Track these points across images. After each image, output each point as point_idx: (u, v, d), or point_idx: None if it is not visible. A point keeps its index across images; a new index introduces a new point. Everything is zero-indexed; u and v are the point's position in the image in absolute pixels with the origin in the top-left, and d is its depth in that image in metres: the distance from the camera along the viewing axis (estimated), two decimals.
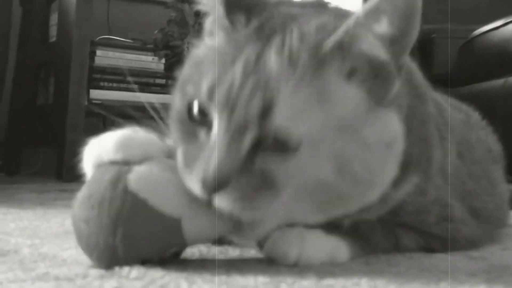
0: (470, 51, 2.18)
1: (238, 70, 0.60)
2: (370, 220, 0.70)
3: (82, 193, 0.62)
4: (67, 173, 2.02)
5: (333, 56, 0.61)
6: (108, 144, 0.64)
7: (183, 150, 0.62)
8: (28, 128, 2.38)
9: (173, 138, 0.66)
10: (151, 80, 2.40)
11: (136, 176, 0.60)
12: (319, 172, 0.60)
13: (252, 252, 0.71)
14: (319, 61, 0.60)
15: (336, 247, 0.67)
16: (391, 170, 0.65)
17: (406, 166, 0.68)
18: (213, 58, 0.63)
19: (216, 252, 0.72)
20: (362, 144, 0.60)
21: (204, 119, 0.62)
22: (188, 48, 2.32)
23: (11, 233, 0.85)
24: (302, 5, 0.69)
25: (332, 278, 0.57)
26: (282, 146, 0.59)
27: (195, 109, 0.63)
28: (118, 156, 0.63)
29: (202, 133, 0.62)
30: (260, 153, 0.59)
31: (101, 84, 2.30)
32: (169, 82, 2.43)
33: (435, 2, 2.61)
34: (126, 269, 0.58)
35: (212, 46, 0.65)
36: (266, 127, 0.58)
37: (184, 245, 0.63)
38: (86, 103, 2.19)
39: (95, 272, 0.57)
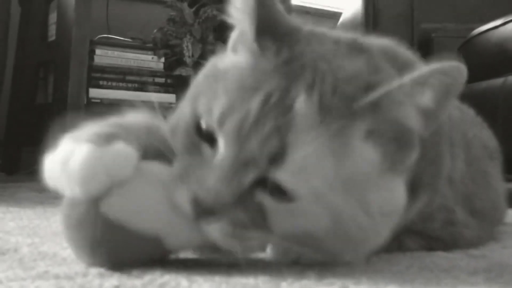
0: (469, 50, 2.18)
1: (257, 101, 0.56)
2: None
3: (62, 209, 0.61)
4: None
5: (365, 114, 0.57)
6: (73, 177, 0.57)
7: (182, 161, 0.60)
8: (27, 127, 2.38)
9: (175, 146, 0.63)
10: (150, 79, 2.40)
11: (108, 198, 0.57)
12: (312, 224, 0.57)
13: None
14: (349, 116, 0.57)
15: None
16: (384, 234, 0.62)
17: (416, 190, 0.67)
18: (232, 80, 0.59)
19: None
20: (363, 208, 0.58)
21: (211, 138, 0.59)
22: (187, 47, 2.32)
23: (10, 232, 0.85)
24: (335, 41, 0.65)
25: (332, 276, 0.57)
26: (283, 192, 0.56)
27: (204, 125, 0.60)
28: (86, 195, 0.57)
29: (206, 151, 0.59)
30: (259, 190, 0.57)
31: (101, 83, 2.30)
32: (169, 81, 2.43)
33: (435, 1, 2.62)
34: (127, 269, 0.58)
35: (235, 65, 0.61)
36: (274, 172, 0.56)
37: (165, 256, 0.62)
38: (85, 102, 2.19)
39: (95, 270, 0.57)
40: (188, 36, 2.35)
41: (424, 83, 0.56)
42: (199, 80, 0.64)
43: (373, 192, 0.58)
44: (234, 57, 0.63)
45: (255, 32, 0.61)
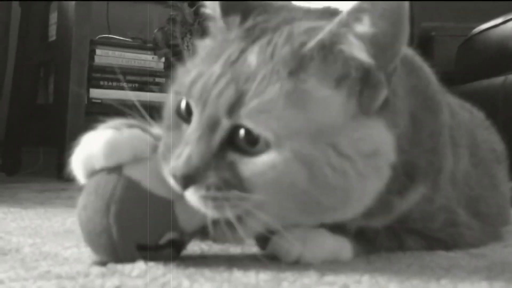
0: (470, 49, 2.18)
1: (218, 65, 0.60)
2: (375, 227, 0.70)
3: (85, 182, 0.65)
4: (67, 173, 2.02)
5: (314, 56, 0.59)
6: (97, 151, 0.62)
7: (164, 141, 0.63)
8: (28, 128, 2.38)
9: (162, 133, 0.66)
10: (151, 79, 2.40)
11: (131, 165, 0.62)
12: (291, 175, 0.58)
13: (254, 250, 0.71)
14: (299, 60, 0.59)
15: (340, 247, 0.67)
16: (375, 181, 0.62)
17: (412, 176, 0.68)
18: (202, 55, 0.64)
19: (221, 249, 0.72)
20: (336, 151, 0.58)
21: (189, 115, 0.62)
22: (188, 47, 2.32)
23: (12, 232, 0.85)
24: (307, 11, 0.68)
25: (333, 275, 0.57)
26: (252, 144, 0.58)
27: (183, 105, 0.63)
28: (110, 163, 0.62)
29: (184, 128, 0.62)
30: (230, 151, 0.59)
31: (101, 83, 2.30)
32: (169, 81, 2.43)
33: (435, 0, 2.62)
34: (128, 267, 0.58)
35: (206, 45, 0.66)
36: (235, 120, 0.58)
37: (178, 230, 0.62)
38: (86, 102, 2.19)
39: (97, 270, 0.57)
40: (188, 36, 2.35)
41: (359, 10, 0.58)
42: (178, 71, 0.68)
43: (344, 135, 0.59)
44: (208, 40, 0.68)
45: (221, 11, 0.65)
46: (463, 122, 0.89)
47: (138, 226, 0.60)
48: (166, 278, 0.54)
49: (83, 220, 0.62)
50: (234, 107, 0.58)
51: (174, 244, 0.62)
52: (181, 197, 0.60)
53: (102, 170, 0.63)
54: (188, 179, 0.58)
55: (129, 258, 0.60)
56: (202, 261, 0.64)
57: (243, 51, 0.61)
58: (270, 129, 0.57)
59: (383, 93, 0.61)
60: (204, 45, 0.68)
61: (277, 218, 0.60)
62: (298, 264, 0.63)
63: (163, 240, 0.61)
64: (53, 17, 2.37)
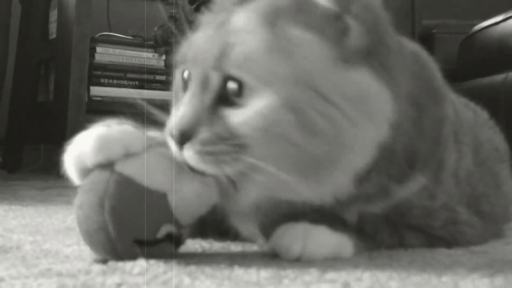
0: (470, 46, 2.18)
1: (209, 29, 0.64)
2: (373, 214, 0.70)
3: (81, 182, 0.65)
4: (62, 171, 2.02)
5: (291, 7, 0.62)
6: (87, 148, 0.63)
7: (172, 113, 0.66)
8: (29, 125, 2.38)
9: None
10: (151, 77, 2.40)
11: (123, 160, 0.62)
12: (279, 122, 0.59)
13: (255, 247, 0.71)
14: (277, 11, 0.62)
15: (341, 244, 0.67)
16: (369, 128, 0.62)
17: (412, 163, 0.68)
18: (200, 27, 0.68)
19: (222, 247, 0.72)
20: (321, 96, 0.59)
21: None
22: None
23: (13, 230, 0.86)
24: None
25: (334, 273, 0.57)
26: (240, 96, 0.61)
27: (185, 75, 0.66)
28: (100, 159, 0.62)
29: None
30: (222, 106, 0.62)
31: (102, 81, 2.30)
32: (170, 78, 2.43)
33: None
34: (129, 265, 0.58)
35: (204, 17, 0.70)
36: (222, 71, 0.61)
37: (175, 223, 0.62)
38: (86, 100, 2.19)
39: (98, 268, 0.57)
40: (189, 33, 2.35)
41: None
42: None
43: (326, 79, 0.60)
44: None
45: None
46: (467, 120, 0.89)
47: (134, 221, 0.60)
48: (167, 276, 0.54)
49: (81, 219, 0.62)
50: (220, 60, 0.61)
51: (172, 237, 0.62)
52: (175, 186, 0.61)
53: (95, 167, 0.63)
54: (183, 136, 0.61)
55: (128, 255, 0.60)
56: (203, 258, 0.64)
57: (231, 14, 0.64)
58: (254, 76, 0.60)
59: (356, 40, 0.62)
60: (203, 17, 0.70)
61: (274, 185, 0.62)
62: (299, 262, 0.63)
63: (160, 234, 0.61)
64: (54, 15, 2.36)
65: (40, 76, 2.45)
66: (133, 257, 0.59)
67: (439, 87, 0.75)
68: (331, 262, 0.63)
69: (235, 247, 0.73)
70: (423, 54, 0.77)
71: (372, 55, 0.62)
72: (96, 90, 2.27)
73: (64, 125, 2.08)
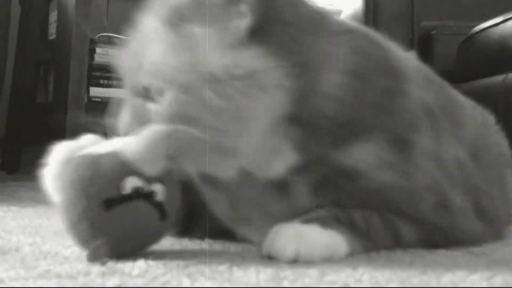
0: (470, 47, 2.18)
1: (127, 44, 0.71)
2: (359, 200, 0.72)
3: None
4: None
5: (188, 5, 0.67)
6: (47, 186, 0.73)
7: None
8: (28, 126, 2.38)
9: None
10: None
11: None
12: (186, 110, 0.65)
13: (254, 249, 0.71)
14: (177, 12, 0.67)
15: (334, 241, 0.67)
16: (265, 99, 0.66)
17: (350, 129, 0.70)
18: None
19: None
20: (216, 79, 0.65)
21: None
22: None
23: (12, 231, 0.86)
24: None
25: (334, 274, 0.57)
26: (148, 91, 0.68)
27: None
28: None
29: None
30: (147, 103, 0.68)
31: (101, 81, 2.30)
32: None
33: None
34: (128, 266, 0.58)
35: None
36: (140, 83, 0.68)
37: (140, 176, 0.64)
38: (86, 101, 2.19)
39: (97, 269, 0.57)
40: None
41: None
42: None
43: (219, 64, 0.65)
44: None
45: None
46: (470, 121, 0.89)
47: (96, 186, 0.62)
48: (167, 277, 0.54)
49: (64, 216, 0.65)
50: (137, 73, 0.68)
51: (142, 194, 0.63)
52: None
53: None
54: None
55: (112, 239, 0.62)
56: (203, 260, 0.64)
57: (140, 23, 0.71)
58: (163, 79, 0.66)
59: (248, 23, 0.66)
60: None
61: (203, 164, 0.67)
62: (297, 263, 0.63)
63: (126, 189, 0.62)
64: (53, 16, 2.36)
65: (40, 77, 2.45)
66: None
67: (393, 64, 0.76)
68: (331, 264, 0.63)
69: (234, 248, 0.73)
70: (377, 35, 0.78)
71: (267, 34, 0.67)
72: (95, 91, 2.27)
73: (63, 126, 2.08)
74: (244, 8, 0.66)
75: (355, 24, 0.78)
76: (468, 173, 0.83)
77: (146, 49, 0.68)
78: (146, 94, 0.68)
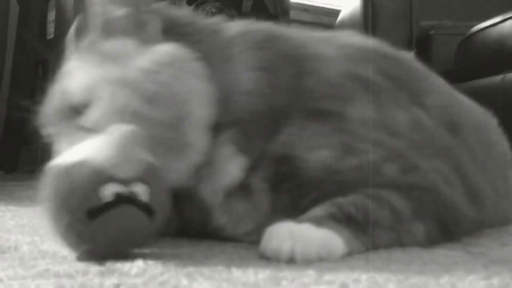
0: (468, 47, 2.18)
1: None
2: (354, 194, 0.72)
3: None
4: None
5: (101, 31, 0.78)
6: None
7: None
8: (26, 126, 2.38)
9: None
10: None
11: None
12: (128, 104, 0.69)
13: (252, 249, 0.71)
14: (92, 44, 0.78)
15: (329, 239, 0.67)
16: (192, 80, 0.73)
17: (274, 118, 0.74)
18: None
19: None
20: (145, 72, 0.71)
21: None
22: None
23: (10, 231, 0.85)
24: None
25: (332, 274, 0.57)
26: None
27: None
28: None
29: None
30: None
31: None
32: None
33: None
34: (127, 266, 0.58)
35: None
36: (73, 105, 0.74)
37: (118, 181, 0.62)
38: None
39: (96, 269, 0.57)
40: None
41: None
42: None
43: (136, 60, 0.72)
44: None
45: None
46: (437, 88, 0.91)
47: (75, 195, 0.61)
48: (165, 277, 0.54)
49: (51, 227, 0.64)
50: (61, 102, 0.77)
51: (124, 197, 0.61)
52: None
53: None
54: None
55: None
56: (201, 260, 0.64)
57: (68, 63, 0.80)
58: (88, 92, 0.72)
59: (151, 27, 0.76)
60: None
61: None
62: (295, 263, 0.63)
63: (107, 196, 0.60)
64: (51, 15, 2.36)
65: (38, 76, 2.45)
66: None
67: (297, 51, 0.80)
68: (329, 264, 0.63)
69: (233, 248, 0.73)
70: (278, 28, 0.84)
71: (173, 34, 0.76)
72: None
73: None
74: (151, 16, 0.76)
75: (252, 24, 0.83)
76: (435, 136, 0.83)
77: (69, 80, 0.76)
78: (74, 113, 0.73)
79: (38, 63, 2.44)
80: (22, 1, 2.47)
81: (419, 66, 0.93)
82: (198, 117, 0.73)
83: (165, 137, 0.70)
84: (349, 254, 0.68)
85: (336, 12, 3.20)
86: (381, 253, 0.71)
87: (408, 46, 2.51)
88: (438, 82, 0.96)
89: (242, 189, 0.75)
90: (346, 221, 0.69)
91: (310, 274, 0.57)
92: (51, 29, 2.36)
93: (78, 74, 0.75)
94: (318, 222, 0.68)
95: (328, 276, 0.56)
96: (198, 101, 0.73)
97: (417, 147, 0.79)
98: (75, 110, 0.73)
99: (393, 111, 0.80)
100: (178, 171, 0.73)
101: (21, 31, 2.46)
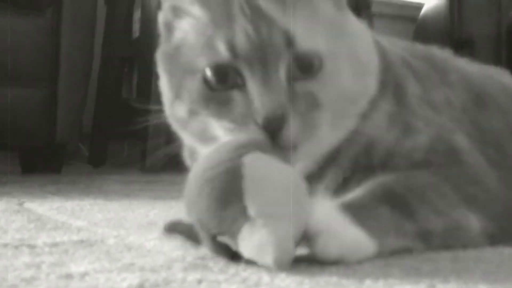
0: None
1: (241, 19, 0.65)
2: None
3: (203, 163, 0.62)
4: (150, 165, 2.08)
5: None
6: None
7: (223, 117, 0.65)
8: (114, 121, 2.46)
9: (196, 124, 0.69)
10: None
11: (255, 156, 0.59)
12: (344, 72, 0.68)
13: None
14: None
15: (358, 239, 0.61)
16: (375, 54, 0.73)
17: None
18: (204, 26, 0.68)
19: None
20: (352, 36, 0.70)
21: (227, 82, 0.66)
22: None
23: (98, 224, 0.88)
24: None
25: (418, 275, 0.55)
26: (309, 69, 0.65)
27: (209, 74, 0.66)
28: None
29: (234, 94, 0.65)
30: (295, 83, 0.65)
31: None
32: None
33: None
34: (210, 262, 0.58)
35: (190, 22, 0.70)
36: (294, 56, 0.64)
37: (234, 246, 0.58)
38: None
39: (179, 264, 0.58)
40: None
41: None
42: (165, 79, 0.73)
43: (345, 24, 0.71)
44: (184, 20, 0.71)
45: None
46: (455, 67, 0.89)
47: (207, 207, 0.58)
48: (247, 273, 0.54)
49: (193, 175, 0.61)
50: (289, 46, 0.64)
51: (226, 247, 0.59)
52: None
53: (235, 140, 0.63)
54: (281, 121, 0.62)
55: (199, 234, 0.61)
56: None
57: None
58: (320, 45, 0.66)
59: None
60: (186, 22, 0.71)
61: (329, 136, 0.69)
62: (370, 263, 0.60)
63: (219, 238, 0.59)
64: (137, 14, 2.43)
65: (124, 74, 2.52)
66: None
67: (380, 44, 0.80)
68: (414, 261, 0.61)
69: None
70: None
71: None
72: None
73: (146, 121, 2.13)
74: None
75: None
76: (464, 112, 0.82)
77: (285, 15, 0.66)
78: (292, 69, 0.65)
79: (124, 61, 2.51)
80: (109, 1, 2.55)
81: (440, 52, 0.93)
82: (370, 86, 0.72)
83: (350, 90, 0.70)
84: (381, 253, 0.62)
85: (419, 6, 3.11)
86: (469, 252, 0.68)
87: (496, 38, 2.41)
88: (455, 59, 0.94)
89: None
90: (391, 202, 0.65)
91: (394, 273, 0.55)
92: (136, 28, 2.43)
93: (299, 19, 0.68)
94: (359, 211, 0.63)
95: (414, 277, 0.55)
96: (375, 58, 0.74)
97: (454, 126, 0.78)
98: None
99: (431, 89, 0.80)
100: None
101: (108, 31, 2.54)
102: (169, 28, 0.73)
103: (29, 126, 1.94)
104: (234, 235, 0.57)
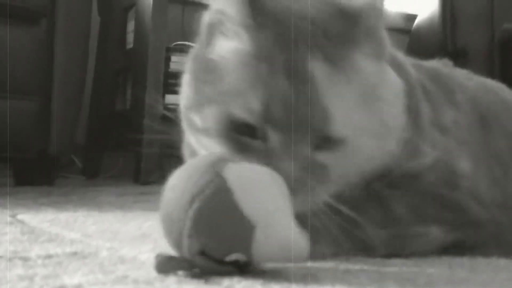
0: None
1: (284, 82, 0.62)
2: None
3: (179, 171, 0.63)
4: (144, 177, 2.07)
5: (360, 38, 0.65)
6: None
7: (242, 156, 0.64)
8: (107, 133, 2.45)
9: (207, 141, 0.69)
10: None
11: (232, 167, 0.60)
12: (364, 149, 0.66)
13: (329, 263, 0.70)
14: (349, 55, 0.64)
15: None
16: (402, 115, 0.71)
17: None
18: (246, 66, 0.64)
19: None
20: (385, 101, 0.68)
21: (253, 132, 0.64)
22: None
23: (91, 236, 0.88)
24: None
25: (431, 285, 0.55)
26: (329, 143, 0.64)
27: (236, 122, 0.65)
28: None
29: (256, 143, 0.64)
30: (317, 152, 0.64)
31: (176, 89, 2.34)
32: None
33: None
34: (204, 275, 0.58)
35: (235, 50, 0.66)
36: (325, 134, 0.63)
37: (248, 255, 0.57)
38: (162, 107, 2.24)
39: (173, 277, 0.58)
40: None
41: None
42: (196, 78, 0.73)
43: (381, 86, 0.68)
44: (230, 42, 0.67)
45: (250, 8, 0.65)
46: (459, 86, 0.89)
47: (210, 233, 0.57)
48: (241, 285, 0.54)
49: (167, 199, 0.61)
50: (323, 124, 0.63)
51: (238, 264, 0.58)
52: (267, 222, 0.56)
53: (204, 157, 0.63)
54: (299, 188, 0.62)
55: (190, 257, 0.58)
56: (278, 269, 0.63)
57: (299, 61, 0.62)
58: (351, 129, 0.64)
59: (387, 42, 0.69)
60: (224, 48, 0.68)
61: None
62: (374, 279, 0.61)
63: (228, 258, 0.57)
64: (131, 26, 2.43)
65: (118, 85, 2.52)
66: (192, 264, 0.58)
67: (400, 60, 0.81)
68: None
69: (310, 263, 0.71)
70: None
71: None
72: (171, 98, 2.31)
73: (140, 132, 2.13)
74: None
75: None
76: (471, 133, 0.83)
77: (329, 95, 0.63)
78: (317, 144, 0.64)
79: (118, 72, 2.51)
80: (103, 12, 2.55)
81: (447, 71, 0.94)
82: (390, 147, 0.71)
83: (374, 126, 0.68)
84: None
85: (412, 17, 3.13)
86: (465, 263, 0.68)
87: (489, 49, 2.42)
88: (459, 74, 0.96)
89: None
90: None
91: (389, 285, 0.55)
92: (130, 39, 2.43)
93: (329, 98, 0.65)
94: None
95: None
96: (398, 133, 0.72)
97: (459, 148, 0.79)
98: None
99: (440, 110, 0.81)
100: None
101: (101, 42, 2.54)
102: (212, 32, 0.70)
103: (22, 138, 1.93)
104: (247, 249, 0.56)
